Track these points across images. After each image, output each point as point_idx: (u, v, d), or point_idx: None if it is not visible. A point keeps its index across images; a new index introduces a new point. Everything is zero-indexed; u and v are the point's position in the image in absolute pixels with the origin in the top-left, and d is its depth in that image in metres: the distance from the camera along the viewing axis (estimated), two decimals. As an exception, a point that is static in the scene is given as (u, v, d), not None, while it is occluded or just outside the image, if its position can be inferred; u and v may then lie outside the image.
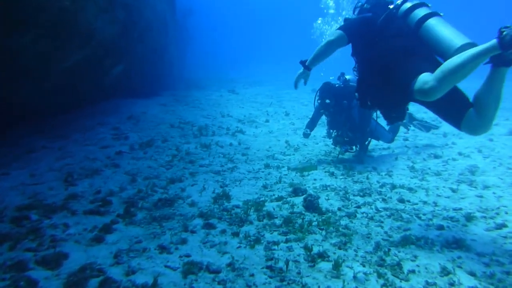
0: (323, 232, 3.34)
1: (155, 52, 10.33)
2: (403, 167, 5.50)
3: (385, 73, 3.25)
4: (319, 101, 6.05)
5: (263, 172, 5.26)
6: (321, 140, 7.36)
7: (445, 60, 2.77)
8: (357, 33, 3.62)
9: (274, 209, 3.89)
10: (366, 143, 6.01)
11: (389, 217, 3.68)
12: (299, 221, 3.59)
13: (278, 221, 3.57)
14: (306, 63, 3.98)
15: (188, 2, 23.26)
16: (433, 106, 2.97)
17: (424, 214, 3.72)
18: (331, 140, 6.24)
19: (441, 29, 3.05)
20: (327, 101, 5.91)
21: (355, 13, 4.05)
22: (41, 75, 4.98)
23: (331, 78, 6.38)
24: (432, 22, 3.16)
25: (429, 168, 5.32)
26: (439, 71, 2.62)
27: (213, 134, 7.04)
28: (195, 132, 6.91)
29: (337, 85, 6.01)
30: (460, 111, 2.80)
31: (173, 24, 13.99)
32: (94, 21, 5.18)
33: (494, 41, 2.39)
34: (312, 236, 3.27)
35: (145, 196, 3.99)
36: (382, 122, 7.38)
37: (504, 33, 2.31)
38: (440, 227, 3.35)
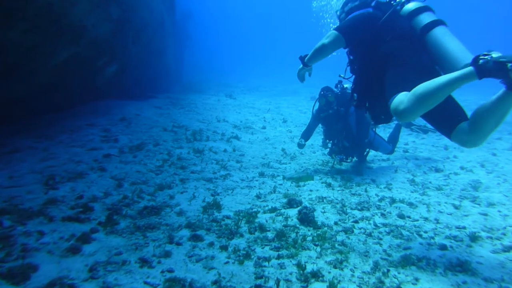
0: (318, 248, 3.14)
1: (151, 53, 10.18)
2: (403, 180, 5.33)
3: (381, 78, 3.11)
4: (322, 95, 5.78)
5: (257, 180, 5.07)
6: (318, 149, 7.19)
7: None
8: (356, 34, 3.44)
9: (266, 221, 3.70)
10: (365, 154, 5.84)
11: (388, 234, 3.49)
12: (293, 235, 3.40)
13: (270, 235, 3.38)
14: (305, 60, 3.86)
15: (187, 5, 23.27)
16: (424, 114, 2.81)
17: (425, 232, 3.53)
18: (327, 150, 6.10)
19: (448, 41, 2.93)
20: (330, 95, 5.67)
21: (341, 17, 3.86)
22: (29, 71, 4.80)
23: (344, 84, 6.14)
24: (439, 31, 3.03)
25: (430, 182, 5.14)
26: (412, 94, 2.51)
27: (207, 139, 6.86)
28: (189, 136, 6.72)
29: (334, 92, 5.86)
30: (452, 122, 2.65)
31: (171, 26, 13.89)
32: (86, 18, 5.01)
33: (470, 68, 2.28)
34: (306, 252, 3.08)
35: (131, 203, 3.79)
36: (382, 133, 7.19)
37: (481, 61, 2.20)
38: (443, 247, 3.17)
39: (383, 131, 8.82)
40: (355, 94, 3.52)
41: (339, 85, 5.88)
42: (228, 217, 3.74)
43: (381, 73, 3.10)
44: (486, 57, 2.21)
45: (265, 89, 19.90)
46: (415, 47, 3.11)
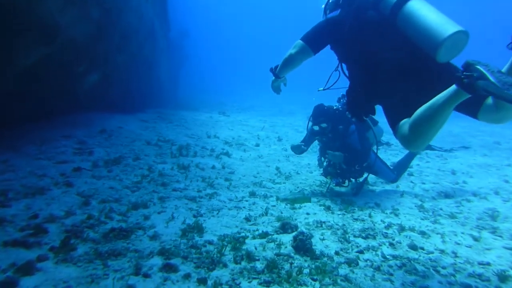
0: (317, 285, 2.65)
1: (141, 65, 9.81)
2: (410, 205, 4.86)
3: (371, 83, 2.82)
4: (312, 127, 5.38)
5: (247, 201, 4.57)
6: (316, 169, 6.73)
7: (433, 53, 2.44)
8: (322, 42, 3.21)
9: (256, 248, 3.20)
10: (361, 179, 5.30)
11: (399, 268, 3.00)
12: (287, 266, 2.90)
13: (259, 265, 2.88)
14: (276, 71, 3.61)
15: (184, 24, 23.30)
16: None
17: (443, 268, 3.05)
18: (322, 169, 5.60)
19: (424, 14, 2.55)
20: (324, 125, 5.25)
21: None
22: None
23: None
24: (413, 6, 2.64)
25: (441, 209, 4.68)
26: (411, 126, 2.29)
27: (194, 155, 6.38)
28: (174, 151, 6.24)
29: (334, 107, 5.43)
30: (475, 104, 2.39)
31: (164, 39, 13.62)
32: (59, 15, 4.59)
33: (454, 87, 2.05)
34: (302, 289, 2.57)
35: (96, 224, 3.27)
36: (385, 159, 6.74)
37: (465, 80, 1.95)
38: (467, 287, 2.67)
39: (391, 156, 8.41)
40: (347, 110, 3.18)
41: (342, 100, 5.46)
42: (210, 243, 3.24)
43: (372, 82, 2.79)
44: (467, 76, 1.94)
45: (260, 109, 19.59)
46: (392, 43, 2.75)
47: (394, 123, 2.55)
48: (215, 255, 2.96)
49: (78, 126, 6.46)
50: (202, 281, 2.56)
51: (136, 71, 9.32)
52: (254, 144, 8.52)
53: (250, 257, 3.00)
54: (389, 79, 2.70)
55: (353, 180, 5.34)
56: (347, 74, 3.23)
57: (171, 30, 16.30)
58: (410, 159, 6.06)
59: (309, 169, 6.76)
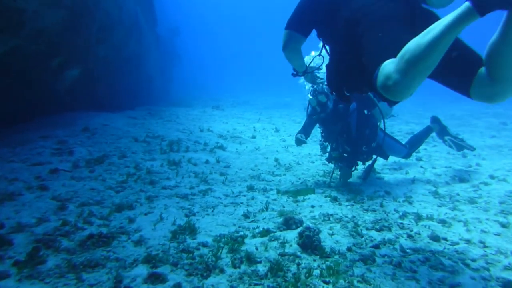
0: (330, 288, 2.27)
1: (126, 60, 9.37)
2: (424, 192, 4.50)
3: (354, 51, 2.46)
4: (311, 98, 4.91)
5: (244, 196, 4.20)
6: (318, 159, 6.35)
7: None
8: (306, 22, 2.96)
9: (257, 248, 2.84)
10: (371, 162, 4.87)
11: (423, 264, 2.64)
12: (293, 268, 2.54)
13: (262, 268, 2.52)
14: (294, 72, 3.47)
15: (174, 21, 22.85)
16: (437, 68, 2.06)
17: (473, 260, 2.68)
18: (326, 156, 5.19)
19: None
20: (321, 97, 4.78)
21: None
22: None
23: None
24: None
25: (458, 194, 4.32)
26: (401, 60, 1.88)
27: (186, 150, 5.98)
28: (164, 147, 5.84)
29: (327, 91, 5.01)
30: (466, 74, 2.04)
31: (151, 34, 13.16)
32: (25, 1, 4.15)
33: (466, 4, 1.68)
34: (314, 295, 2.21)
35: (72, 230, 2.88)
36: (394, 134, 6.42)
37: None
38: (508, 285, 2.31)
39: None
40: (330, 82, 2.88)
41: None
42: (204, 245, 2.87)
43: (353, 45, 2.45)
44: None
45: (255, 103, 19.15)
46: None
47: (373, 66, 2.13)
48: (210, 259, 2.59)
49: (59, 126, 6.05)
50: (195, 291, 2.19)
51: (121, 66, 8.88)
52: (250, 136, 8.13)
53: (250, 259, 2.64)
54: (377, 28, 2.35)
55: (360, 164, 4.94)
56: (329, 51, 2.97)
57: (161, 27, 15.88)
58: (427, 135, 5.68)
59: (310, 159, 6.38)
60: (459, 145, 5.50)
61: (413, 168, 5.70)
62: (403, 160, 6.20)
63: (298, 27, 2.99)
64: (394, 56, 1.95)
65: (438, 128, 5.72)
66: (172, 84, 20.56)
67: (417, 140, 5.52)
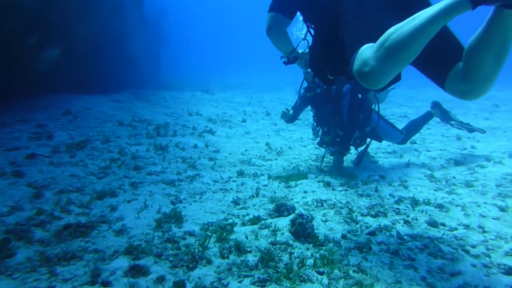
0: (325, 279, 2.16)
1: (110, 40, 9.00)
2: (419, 175, 4.39)
3: (336, 33, 2.34)
4: (308, 72, 4.67)
5: (234, 181, 4.04)
6: (310, 142, 6.20)
7: None
8: (288, 2, 2.81)
9: (247, 237, 2.69)
10: (364, 147, 4.71)
11: (421, 251, 2.52)
12: (285, 258, 2.40)
13: (252, 259, 2.37)
14: (283, 57, 3.29)
15: (162, 2, 22.20)
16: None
17: (473, 247, 2.57)
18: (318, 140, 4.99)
19: None
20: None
21: None
22: None
23: None
24: None
25: (454, 177, 4.22)
26: (380, 46, 1.77)
27: (174, 134, 5.78)
28: (151, 131, 5.63)
29: None
30: (444, 66, 1.97)
31: (136, 14, 12.67)
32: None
33: None
34: (307, 286, 2.07)
35: (48, 220, 2.70)
36: (390, 118, 6.31)
37: None
38: (511, 271, 2.20)
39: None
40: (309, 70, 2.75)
41: None
42: (191, 234, 2.72)
43: (335, 26, 2.36)
44: None
45: (246, 87, 18.85)
46: None
47: (351, 50, 2.02)
48: (196, 250, 2.44)
49: (39, 109, 5.78)
50: (180, 284, 2.03)
51: (104, 46, 8.54)
52: (241, 120, 7.93)
53: (240, 248, 2.49)
54: (358, 9, 2.22)
55: (353, 148, 4.76)
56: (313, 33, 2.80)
57: (148, 8, 15.36)
58: (426, 121, 5.48)
59: (302, 143, 6.22)
60: (469, 128, 5.38)
61: (407, 151, 5.58)
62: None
63: (281, 9, 2.83)
64: (374, 41, 1.82)
65: (439, 113, 5.55)
66: (160, 68, 20.10)
67: (415, 126, 5.33)
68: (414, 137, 6.40)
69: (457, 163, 4.84)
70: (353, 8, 2.23)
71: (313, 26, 2.80)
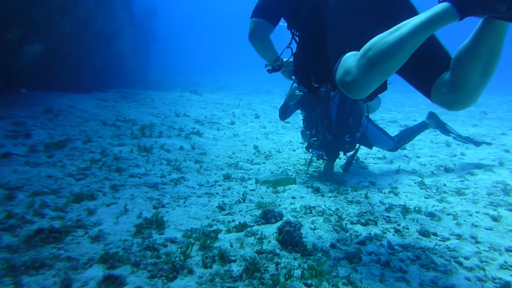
0: (312, 292, 2.03)
1: (96, 36, 8.79)
2: (409, 182, 4.32)
3: (322, 36, 2.26)
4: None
5: (220, 186, 3.91)
6: (299, 146, 6.10)
7: None
8: (272, 7, 2.72)
9: (231, 245, 2.56)
10: (352, 152, 4.59)
11: (413, 263, 2.42)
12: (272, 268, 2.28)
13: (236, 268, 2.25)
14: (268, 65, 3.13)
15: (151, 2, 21.99)
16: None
17: (466, 258, 2.49)
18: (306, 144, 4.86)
19: None
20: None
21: None
22: None
23: None
24: None
25: (445, 185, 4.16)
26: (363, 56, 1.71)
27: (159, 135, 5.61)
28: (135, 132, 5.46)
29: None
30: (429, 75, 1.91)
31: (124, 12, 12.45)
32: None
33: (445, 5, 1.53)
34: (294, 300, 1.96)
35: (18, 224, 2.53)
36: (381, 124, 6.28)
37: None
38: (507, 286, 2.11)
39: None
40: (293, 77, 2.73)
41: None
42: (173, 241, 2.57)
43: (320, 33, 2.28)
44: None
45: (235, 88, 18.73)
46: None
47: (334, 58, 1.96)
48: (177, 258, 2.30)
49: (18, 106, 5.56)
50: (157, 297, 1.89)
51: (89, 43, 8.32)
52: (229, 122, 7.80)
53: (224, 257, 2.36)
54: (342, 15, 2.15)
55: (341, 154, 4.65)
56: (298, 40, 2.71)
57: (137, 6, 15.13)
58: (420, 131, 5.34)
59: (291, 146, 6.12)
60: (475, 141, 5.27)
61: (397, 157, 5.53)
62: (387, 150, 6.03)
63: (265, 15, 2.74)
64: (358, 49, 1.75)
65: (435, 124, 5.41)
66: (149, 67, 19.88)
67: (408, 135, 5.21)
68: (403, 143, 6.36)
69: (447, 170, 4.79)
70: (337, 14, 2.16)
71: (297, 33, 2.71)
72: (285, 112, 4.78)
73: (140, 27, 16.33)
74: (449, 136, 5.43)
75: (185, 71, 27.79)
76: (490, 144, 5.42)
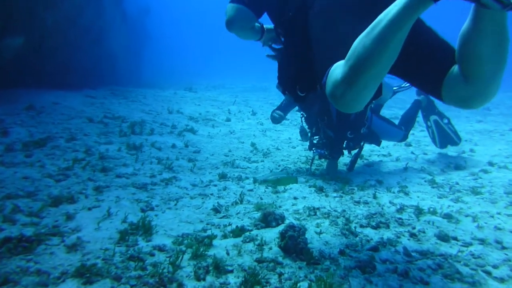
0: (323, 310, 1.75)
1: (84, 32, 8.45)
2: (419, 180, 4.06)
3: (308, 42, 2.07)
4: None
5: (215, 186, 3.62)
6: (299, 143, 5.83)
7: None
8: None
9: (228, 253, 2.29)
10: (357, 150, 4.33)
11: (435, 272, 2.15)
12: (274, 279, 2.02)
13: (233, 280, 1.98)
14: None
15: (144, 1, 21.71)
16: (401, 66, 1.72)
17: (494, 267, 2.22)
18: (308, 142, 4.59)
19: None
20: None
21: None
22: None
23: None
24: None
25: (457, 183, 3.90)
26: (346, 64, 1.52)
27: (150, 132, 5.32)
28: (125, 129, 5.16)
29: None
30: (436, 73, 1.67)
31: (115, 9, 12.09)
32: None
33: None
34: (302, 320, 1.68)
35: (-17, 232, 2.22)
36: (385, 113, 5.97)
37: None
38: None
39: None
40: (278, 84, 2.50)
41: None
42: (161, 249, 2.29)
43: (305, 38, 2.06)
44: None
45: (231, 86, 18.44)
46: None
47: (322, 69, 1.79)
48: (165, 270, 2.02)
49: (-1, 103, 5.24)
50: (140, 319, 1.61)
51: (77, 38, 7.98)
52: (225, 119, 7.50)
53: (219, 267, 2.08)
54: (326, 19, 1.93)
55: (345, 152, 4.36)
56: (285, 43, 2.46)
57: (129, 4, 14.79)
58: (417, 110, 5.10)
59: (290, 143, 5.84)
60: (451, 139, 4.97)
61: (403, 154, 5.27)
62: (391, 145, 5.78)
63: (249, 2, 2.41)
64: (344, 56, 1.54)
65: (426, 100, 5.12)
66: (142, 66, 19.53)
67: (408, 118, 4.95)
68: (408, 139, 6.10)
69: (458, 167, 4.54)
70: (323, 15, 1.92)
71: (283, 36, 2.44)
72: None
73: (133, 26, 15.99)
74: (428, 121, 5.10)
75: (179, 71, 27.43)
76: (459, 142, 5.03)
